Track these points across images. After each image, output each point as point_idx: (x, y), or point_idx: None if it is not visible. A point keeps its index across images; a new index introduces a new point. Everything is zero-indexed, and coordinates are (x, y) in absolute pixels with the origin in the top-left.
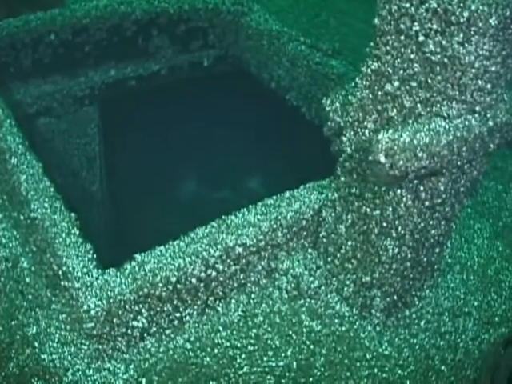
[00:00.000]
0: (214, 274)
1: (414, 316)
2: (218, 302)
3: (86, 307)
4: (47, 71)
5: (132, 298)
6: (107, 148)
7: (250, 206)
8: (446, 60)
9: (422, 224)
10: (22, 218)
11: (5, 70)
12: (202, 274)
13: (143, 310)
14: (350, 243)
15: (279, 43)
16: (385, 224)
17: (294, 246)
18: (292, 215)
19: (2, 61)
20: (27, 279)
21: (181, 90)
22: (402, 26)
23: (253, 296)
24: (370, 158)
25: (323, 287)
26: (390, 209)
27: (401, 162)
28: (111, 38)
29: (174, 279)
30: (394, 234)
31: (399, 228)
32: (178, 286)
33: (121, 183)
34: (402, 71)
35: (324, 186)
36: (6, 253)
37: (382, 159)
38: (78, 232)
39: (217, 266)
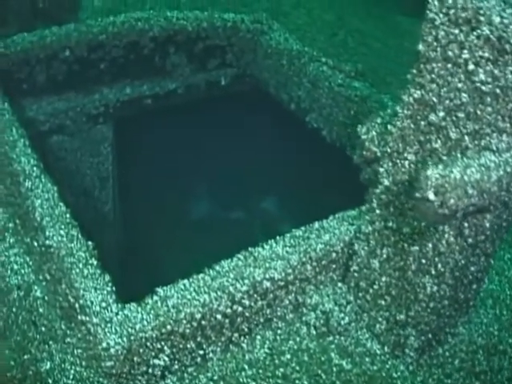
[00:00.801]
0: (239, 309)
1: (447, 354)
2: (242, 338)
3: (105, 344)
4: (61, 88)
5: (154, 335)
6: (120, 167)
7: (278, 237)
8: (497, 90)
9: (463, 261)
10: (35, 244)
11: (18, 86)
12: (228, 310)
13: (165, 348)
14: (384, 279)
15: (300, 63)
16: (424, 261)
17: (323, 280)
18: (322, 247)
19: (15, 77)
20: (40, 309)
21: (197, 110)
22: (449, 53)
23: (279, 332)
24: (418, 194)
25: (353, 323)
26: (430, 245)
27: (451, 201)
28: (127, 55)
29: (198, 315)
30: (433, 272)
31: (439, 265)
32: (203, 322)
33: (133, 203)
34: (448, 101)
35: (354, 216)
36: (17, 280)
37: (432, 197)
38: (95, 262)
39: (243, 301)
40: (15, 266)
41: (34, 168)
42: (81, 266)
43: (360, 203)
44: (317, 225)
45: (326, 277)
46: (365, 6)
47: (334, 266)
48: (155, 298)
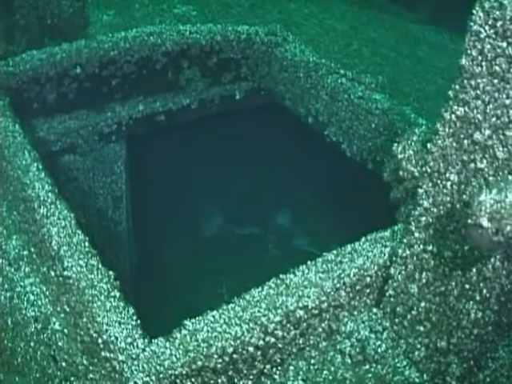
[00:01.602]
0: (272, 340)
1: (488, 380)
2: (274, 369)
3: (132, 383)
4: (72, 106)
5: (184, 372)
6: (134, 186)
7: (309, 262)
8: None
9: (510, 286)
10: (52, 273)
11: (28, 106)
12: (261, 342)
13: None
14: (423, 304)
15: (317, 76)
16: (467, 286)
17: (357, 305)
18: (355, 272)
19: (24, 96)
20: (60, 343)
21: (211, 125)
22: (496, 68)
23: (313, 361)
24: (471, 221)
25: (390, 351)
26: (475, 270)
27: (508, 228)
28: (140, 71)
29: (230, 349)
30: (478, 297)
31: (484, 291)
32: (234, 356)
33: (146, 222)
34: (494, 118)
35: (387, 237)
36: (34, 312)
37: (486, 224)
38: (118, 294)
39: (276, 331)
40: (31, 297)
41: (49, 194)
42: (102, 298)
43: (383, 221)
44: (349, 248)
45: (360, 302)
46: (377, 15)
47: (368, 290)
48: (184, 331)
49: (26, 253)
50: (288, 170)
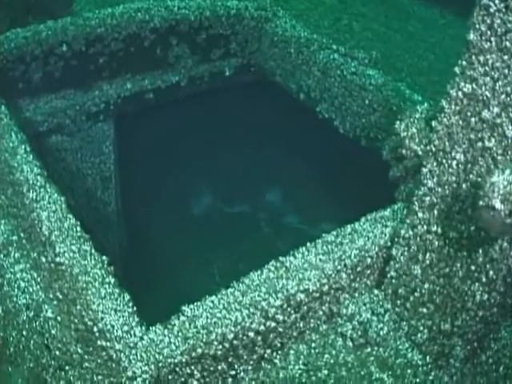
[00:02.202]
0: (273, 324)
1: (490, 361)
2: (275, 354)
3: (130, 373)
4: (59, 86)
5: (184, 360)
6: (122, 166)
7: (309, 244)
8: None
9: None
10: (43, 259)
11: (13, 86)
12: (261, 327)
13: (195, 372)
14: (426, 286)
15: (309, 51)
16: (473, 267)
17: (357, 287)
18: (356, 253)
19: (9, 75)
20: (53, 331)
21: (201, 102)
22: (506, 43)
23: (313, 345)
24: (482, 203)
25: (392, 333)
26: (481, 251)
27: None
28: (128, 49)
29: (231, 336)
30: (484, 279)
31: (490, 272)
32: (235, 342)
33: (136, 201)
34: (504, 96)
35: (387, 217)
36: (26, 299)
37: (498, 205)
38: (113, 280)
39: (277, 316)
40: (22, 284)
41: (38, 177)
42: (97, 285)
43: (376, 198)
44: (349, 228)
45: (361, 284)
46: None
47: (368, 271)
48: (182, 318)
49: (15, 238)
50: (279, 147)
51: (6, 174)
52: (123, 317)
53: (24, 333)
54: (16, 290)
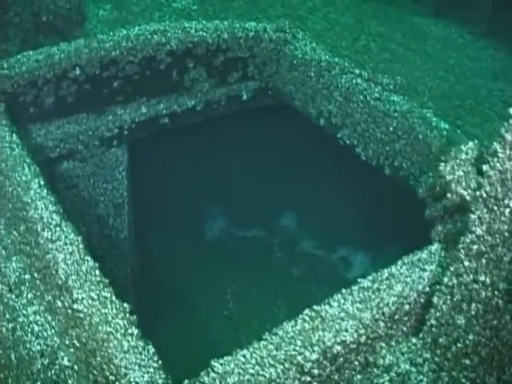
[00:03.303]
0: (308, 379)
1: None
2: None
3: None
4: (71, 110)
5: None
6: (135, 191)
7: (344, 290)
8: None
9: None
10: (59, 303)
11: (24, 111)
12: (296, 383)
13: None
14: (470, 337)
15: (330, 75)
16: None
17: (394, 334)
18: (394, 300)
19: (21, 100)
20: (69, 381)
21: (217, 126)
22: None
23: None
24: None
25: None
26: None
27: None
28: (143, 72)
29: None
30: None
31: None
32: None
33: (148, 227)
34: None
35: (425, 260)
36: (40, 345)
37: None
38: (136, 331)
39: (313, 370)
40: (36, 328)
41: (54, 215)
42: (119, 336)
43: (395, 227)
44: (386, 273)
45: (398, 331)
46: (381, 7)
47: (406, 318)
48: (212, 374)
49: (27, 277)
50: (295, 172)
51: (18, 209)
52: (148, 373)
53: (38, 383)
54: (30, 334)
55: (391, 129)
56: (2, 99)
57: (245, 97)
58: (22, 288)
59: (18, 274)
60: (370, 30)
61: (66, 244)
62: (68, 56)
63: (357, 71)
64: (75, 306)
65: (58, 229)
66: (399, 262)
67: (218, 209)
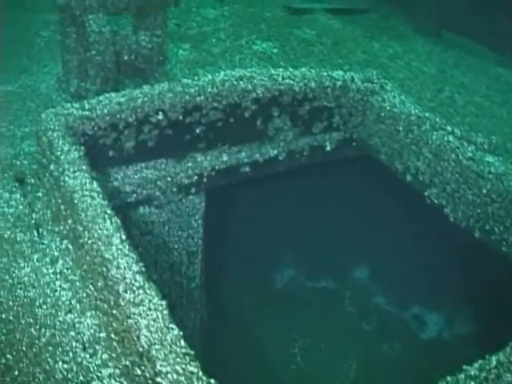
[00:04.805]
0: None
1: None
2: None
3: None
4: (150, 155)
5: None
6: (209, 239)
7: (449, 378)
8: None
9: None
10: (138, 371)
11: (103, 154)
12: None
13: None
14: None
15: (420, 131)
16: None
17: None
18: None
19: (100, 143)
20: None
21: (296, 176)
22: None
23: None
24: None
25: None
26: None
27: None
28: (227, 119)
29: None
30: None
31: None
32: None
33: (219, 275)
34: None
35: None
36: None
37: None
38: None
39: None
40: None
41: (137, 276)
42: None
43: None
44: (494, 361)
45: None
46: (462, 56)
47: None
48: None
49: (103, 335)
50: (371, 224)
51: (97, 264)
52: None
53: None
54: None
55: (484, 191)
56: (81, 142)
57: (328, 148)
58: (97, 347)
59: (92, 331)
60: (453, 80)
61: (149, 309)
62: (151, 100)
63: (449, 128)
64: (158, 380)
65: (141, 291)
66: (507, 349)
67: (291, 258)
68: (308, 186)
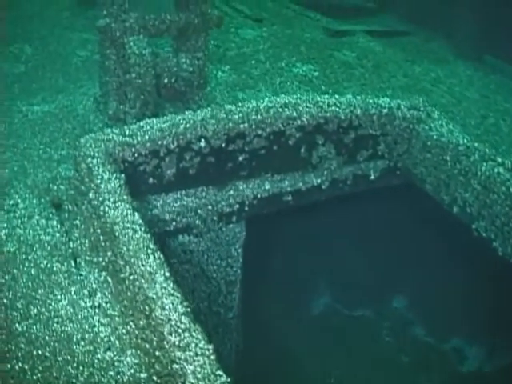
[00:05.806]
0: None
1: None
2: None
3: None
4: (191, 183)
5: None
6: (248, 269)
7: None
8: None
9: None
10: None
11: (143, 182)
12: None
13: None
14: None
15: (468, 161)
16: None
17: None
18: None
19: (140, 170)
20: None
21: (339, 205)
22: None
23: None
24: None
25: None
26: None
27: None
28: (270, 147)
29: None
30: None
31: None
32: None
33: (256, 303)
34: None
35: None
36: None
37: None
38: None
39: None
40: None
41: (183, 317)
42: None
43: None
44: None
45: None
46: (504, 81)
47: None
48: None
49: (144, 376)
50: (412, 253)
51: (140, 301)
52: None
53: None
54: None
55: None
56: (121, 169)
57: (372, 176)
58: None
59: (133, 371)
60: (496, 106)
61: (196, 355)
62: (194, 126)
63: (499, 159)
64: None
65: (187, 334)
66: None
67: (328, 286)
68: (350, 214)
